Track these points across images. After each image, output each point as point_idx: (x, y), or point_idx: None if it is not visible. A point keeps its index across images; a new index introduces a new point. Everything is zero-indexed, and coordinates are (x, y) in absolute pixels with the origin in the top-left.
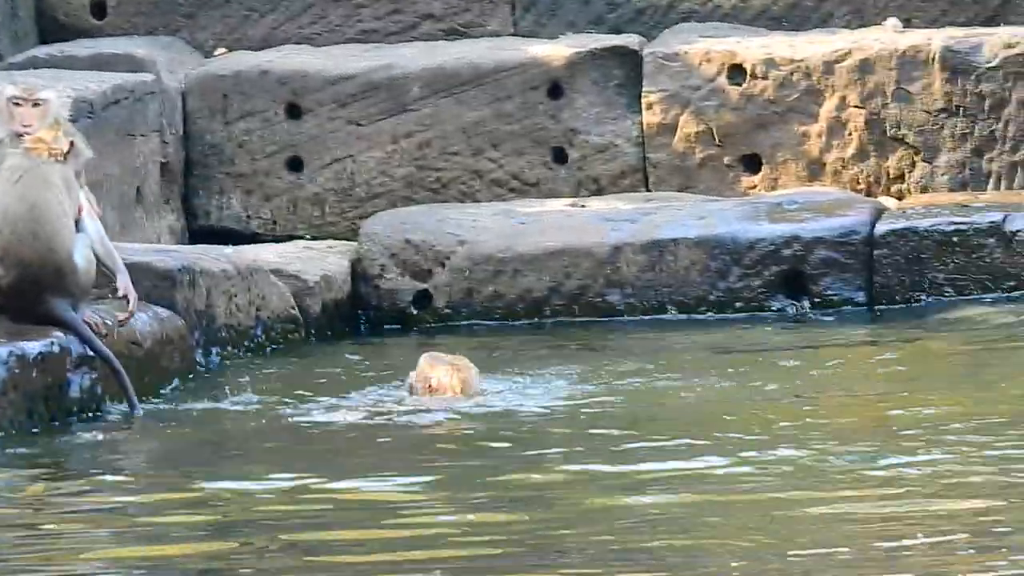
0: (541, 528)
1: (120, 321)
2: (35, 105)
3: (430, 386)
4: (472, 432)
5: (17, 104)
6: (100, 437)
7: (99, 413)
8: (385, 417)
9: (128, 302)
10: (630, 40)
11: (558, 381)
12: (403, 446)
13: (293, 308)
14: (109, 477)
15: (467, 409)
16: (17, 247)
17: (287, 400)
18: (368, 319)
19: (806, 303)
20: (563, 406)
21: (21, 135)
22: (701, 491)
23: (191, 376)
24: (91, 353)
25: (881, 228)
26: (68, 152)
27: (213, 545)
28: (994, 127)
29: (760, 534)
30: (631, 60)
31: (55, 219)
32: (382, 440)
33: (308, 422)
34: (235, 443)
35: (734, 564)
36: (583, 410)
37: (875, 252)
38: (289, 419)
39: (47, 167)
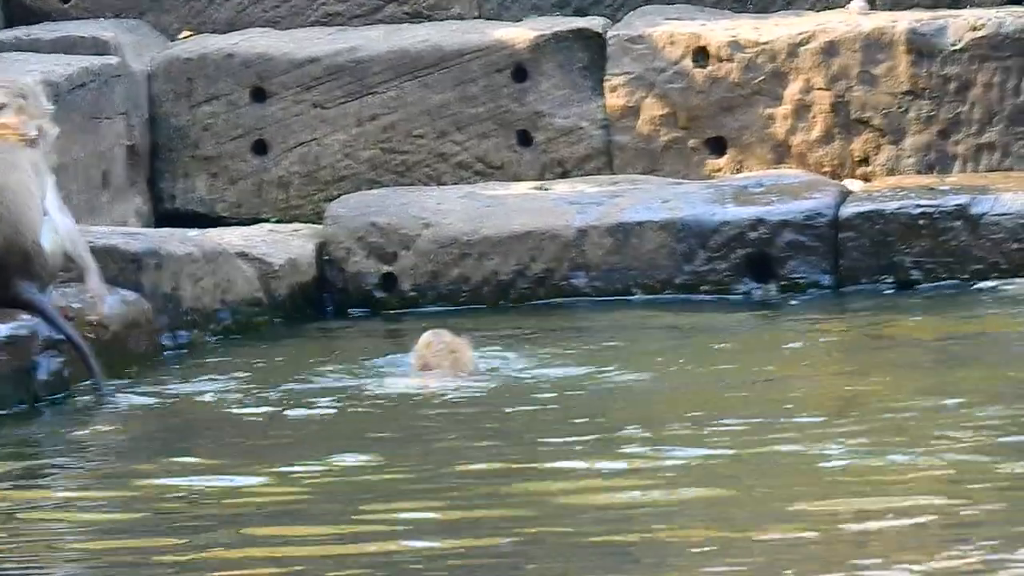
0: (522, 523)
1: (93, 321)
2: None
3: (425, 364)
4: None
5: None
6: (67, 421)
7: (67, 396)
8: (348, 401)
9: (98, 303)
10: (594, 23)
11: (524, 364)
12: (368, 430)
13: (259, 291)
14: (72, 463)
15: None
16: None
17: (254, 384)
18: (334, 302)
19: (772, 286)
20: (526, 388)
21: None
22: (671, 482)
23: (157, 359)
24: (59, 336)
25: (847, 211)
26: (36, 137)
27: (166, 541)
28: (960, 109)
29: (725, 526)
30: (596, 43)
31: (21, 202)
32: (348, 424)
33: (275, 407)
34: (200, 428)
35: (699, 555)
36: (546, 395)
37: (840, 235)
38: (256, 404)
39: (14, 151)
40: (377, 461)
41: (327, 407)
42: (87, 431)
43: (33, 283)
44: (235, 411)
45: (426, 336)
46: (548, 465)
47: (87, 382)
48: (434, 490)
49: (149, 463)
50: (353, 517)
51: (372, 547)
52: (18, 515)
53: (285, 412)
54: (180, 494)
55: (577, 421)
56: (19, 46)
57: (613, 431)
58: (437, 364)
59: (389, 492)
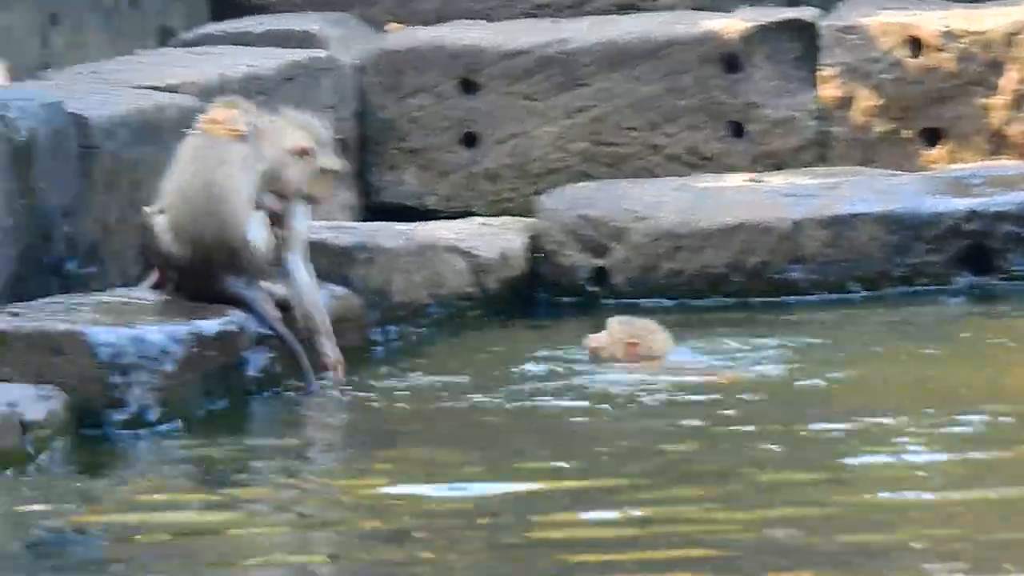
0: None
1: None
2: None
3: (614, 353)
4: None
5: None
6: (276, 418)
7: (277, 392)
8: (564, 397)
9: (333, 370)
10: (807, 13)
11: (742, 359)
12: (590, 429)
13: (470, 285)
14: (283, 461)
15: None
16: (192, 225)
17: (465, 379)
18: (546, 296)
19: (991, 279)
20: (748, 383)
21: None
22: (899, 486)
23: (367, 355)
24: (268, 332)
25: None
26: (244, 133)
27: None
28: None
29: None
30: (808, 33)
31: (229, 197)
32: (567, 421)
33: (488, 402)
34: (413, 425)
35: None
36: (768, 388)
37: None
38: (469, 399)
39: (224, 146)
40: (602, 457)
41: (545, 401)
42: (298, 429)
43: (240, 278)
44: (445, 407)
45: (613, 324)
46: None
47: (297, 379)
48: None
49: (365, 461)
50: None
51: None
52: (234, 519)
53: (506, 406)
54: (391, 500)
55: (802, 412)
56: (227, 39)
57: (851, 426)
58: (625, 352)
59: (614, 494)
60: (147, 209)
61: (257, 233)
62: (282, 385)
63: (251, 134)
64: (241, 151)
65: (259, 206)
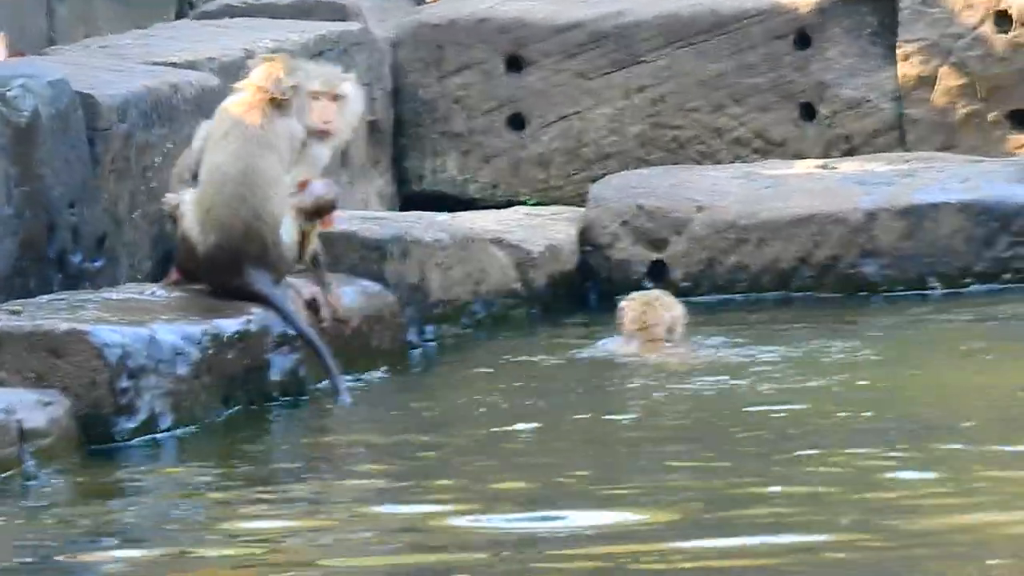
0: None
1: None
2: (334, 99)
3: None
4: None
5: (316, 98)
6: (302, 425)
7: (302, 398)
8: (615, 408)
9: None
10: None
11: (805, 358)
12: (641, 434)
13: (515, 281)
14: (308, 474)
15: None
16: (221, 210)
17: (508, 387)
18: (598, 293)
19: None
20: (815, 388)
21: (322, 132)
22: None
23: (403, 357)
24: (293, 332)
25: None
26: (288, 99)
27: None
28: None
29: None
30: (887, 6)
31: (268, 185)
32: (619, 436)
33: (535, 413)
34: (453, 437)
35: None
36: (834, 393)
37: None
38: (513, 408)
39: (266, 124)
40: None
41: (598, 414)
42: (324, 438)
43: (267, 274)
44: (488, 416)
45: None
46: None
47: (324, 383)
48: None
49: (390, 478)
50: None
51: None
52: (256, 536)
53: (553, 420)
54: (417, 522)
55: (886, 425)
56: (250, 11)
57: (927, 437)
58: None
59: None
60: (171, 193)
61: (289, 229)
62: (308, 391)
63: (294, 104)
64: (283, 131)
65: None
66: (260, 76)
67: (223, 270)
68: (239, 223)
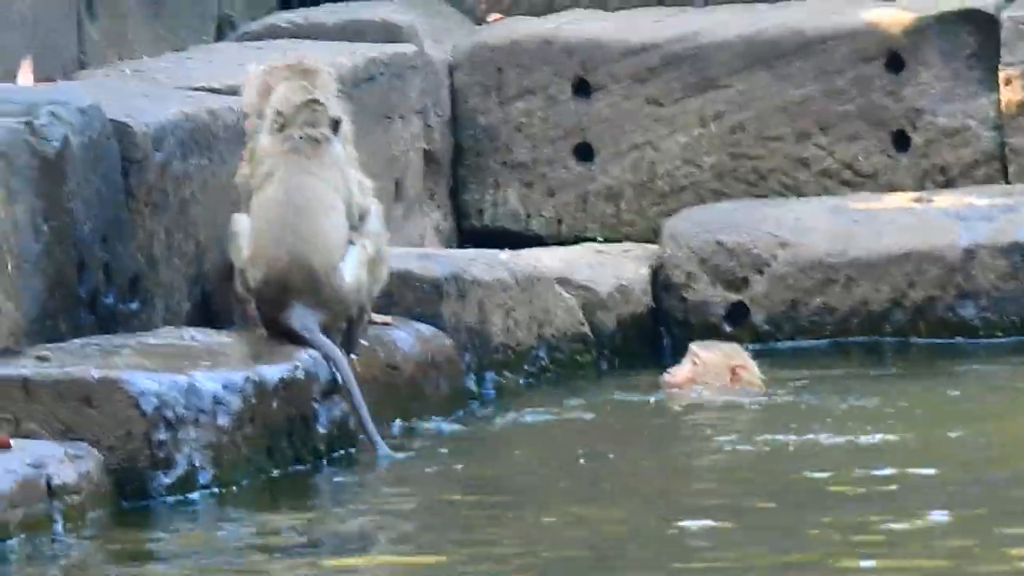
0: None
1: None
2: (304, 75)
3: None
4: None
5: (286, 78)
6: (351, 483)
7: (351, 450)
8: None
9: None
10: (986, 2)
11: (899, 409)
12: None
13: (582, 324)
14: (352, 546)
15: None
16: (266, 241)
17: (573, 437)
18: (672, 337)
19: None
20: (909, 442)
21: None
22: None
23: (461, 406)
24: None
25: None
26: (336, 129)
27: None
28: None
29: None
30: (986, 26)
31: (319, 213)
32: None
33: (599, 468)
34: (512, 496)
35: None
36: (931, 448)
37: None
38: (576, 464)
39: (314, 151)
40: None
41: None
42: (373, 498)
43: (316, 314)
44: (549, 471)
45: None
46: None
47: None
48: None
49: (448, 544)
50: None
51: None
52: None
53: (622, 474)
54: None
55: (993, 484)
56: (296, 32)
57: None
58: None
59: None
60: (235, 221)
61: (352, 267)
62: (358, 443)
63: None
64: (334, 156)
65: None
66: (290, 108)
67: (271, 306)
68: (286, 255)
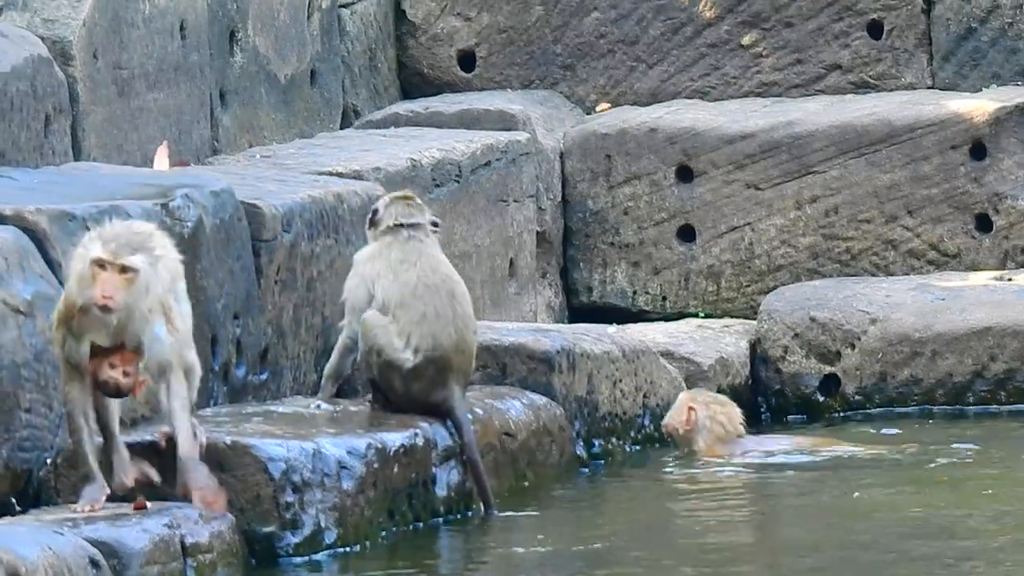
0: None
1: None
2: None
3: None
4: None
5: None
6: (472, 545)
7: (468, 513)
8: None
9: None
10: None
11: (984, 476)
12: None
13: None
14: None
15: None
16: (432, 323)
17: (677, 502)
18: (769, 407)
19: None
20: (993, 509)
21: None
22: None
23: (571, 472)
24: (458, 446)
25: None
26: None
27: None
28: None
29: None
30: None
31: (465, 296)
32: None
33: (705, 532)
34: (625, 559)
35: None
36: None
37: None
38: (682, 528)
39: (429, 241)
40: None
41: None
42: (492, 560)
43: (463, 388)
44: (665, 537)
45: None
46: None
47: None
48: None
49: None
50: None
51: None
52: None
53: (729, 539)
54: None
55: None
56: (417, 120)
57: None
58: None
59: None
60: (366, 314)
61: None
62: (475, 506)
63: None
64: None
65: None
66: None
67: (428, 384)
68: (450, 336)
